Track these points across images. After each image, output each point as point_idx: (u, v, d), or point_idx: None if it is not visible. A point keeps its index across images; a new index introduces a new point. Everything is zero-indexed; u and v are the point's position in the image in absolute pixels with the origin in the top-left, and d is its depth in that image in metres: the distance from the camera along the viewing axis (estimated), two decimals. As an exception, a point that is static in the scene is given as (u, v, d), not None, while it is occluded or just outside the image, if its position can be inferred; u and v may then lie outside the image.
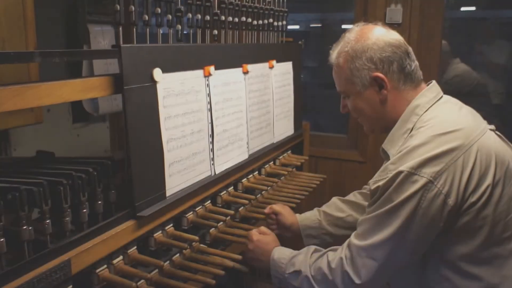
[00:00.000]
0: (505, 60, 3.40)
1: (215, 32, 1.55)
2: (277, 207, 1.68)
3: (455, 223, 1.18)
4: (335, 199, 1.72)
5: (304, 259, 1.35)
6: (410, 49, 1.33)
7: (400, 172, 1.16)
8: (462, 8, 3.93)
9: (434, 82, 1.37)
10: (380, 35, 1.31)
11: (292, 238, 1.68)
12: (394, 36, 1.33)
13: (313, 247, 1.39)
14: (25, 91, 0.90)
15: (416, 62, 1.34)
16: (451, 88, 2.94)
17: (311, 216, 1.69)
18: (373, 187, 1.24)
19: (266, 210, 1.67)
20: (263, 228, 1.54)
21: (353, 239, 1.25)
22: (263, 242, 1.46)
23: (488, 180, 1.17)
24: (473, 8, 4.01)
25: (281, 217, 1.66)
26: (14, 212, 0.89)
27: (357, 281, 1.21)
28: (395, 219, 1.16)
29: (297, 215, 1.70)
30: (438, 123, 1.23)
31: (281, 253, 1.41)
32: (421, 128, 1.24)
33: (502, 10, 3.67)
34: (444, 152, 1.15)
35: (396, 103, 1.32)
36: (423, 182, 1.13)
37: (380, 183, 1.20)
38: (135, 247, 1.16)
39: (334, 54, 1.39)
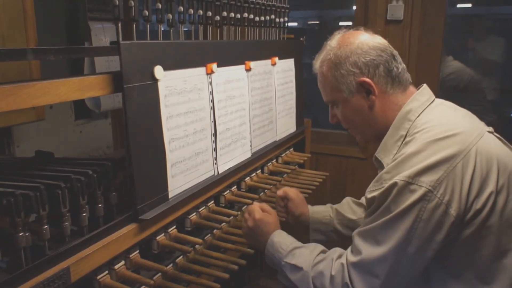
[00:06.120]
0: (499, 56, 3.37)
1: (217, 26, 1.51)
2: (291, 192, 1.63)
3: (459, 234, 1.10)
4: (348, 199, 1.68)
5: (308, 257, 1.26)
6: (395, 52, 1.29)
7: (397, 182, 1.08)
8: (459, 5, 3.91)
9: (425, 85, 1.31)
10: (363, 40, 1.26)
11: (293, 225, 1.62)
12: (378, 40, 1.28)
13: (320, 247, 1.31)
14: (19, 90, 0.84)
15: (403, 65, 1.28)
16: (447, 85, 2.96)
17: (323, 212, 1.64)
18: (368, 196, 1.17)
19: (279, 193, 1.62)
20: (265, 206, 1.45)
21: (350, 255, 1.18)
22: (264, 222, 1.38)
23: (491, 186, 1.09)
24: (469, 5, 3.98)
25: (292, 204, 1.62)
26: (10, 218, 0.85)
27: None
28: (394, 232, 1.09)
29: (309, 206, 1.65)
30: (433, 128, 1.16)
31: (282, 238, 1.34)
32: (416, 134, 1.17)
33: (498, 6, 3.65)
34: (441, 159, 1.08)
35: (386, 108, 1.26)
36: (422, 192, 1.06)
37: (376, 193, 1.13)
38: (138, 251, 1.13)
39: (317, 63, 1.34)
